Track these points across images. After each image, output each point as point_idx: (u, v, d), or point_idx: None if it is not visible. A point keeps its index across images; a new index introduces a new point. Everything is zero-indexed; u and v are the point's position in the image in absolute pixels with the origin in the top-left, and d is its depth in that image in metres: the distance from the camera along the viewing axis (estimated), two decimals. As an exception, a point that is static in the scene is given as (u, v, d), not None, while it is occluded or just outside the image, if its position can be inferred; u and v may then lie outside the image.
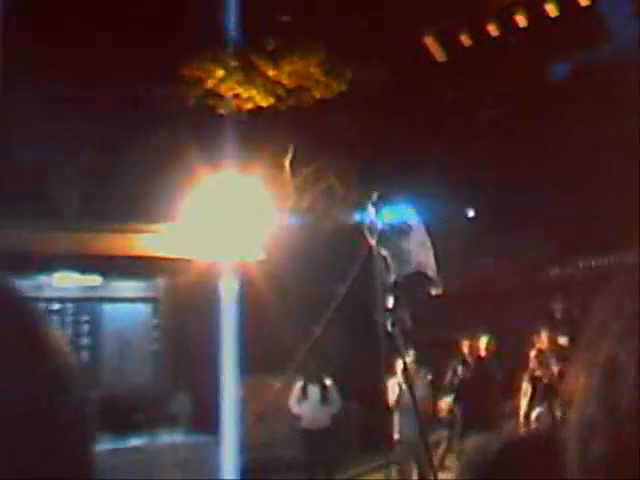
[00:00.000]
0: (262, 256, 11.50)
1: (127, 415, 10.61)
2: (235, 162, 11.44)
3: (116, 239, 11.18)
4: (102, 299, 11.43)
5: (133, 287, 11.64)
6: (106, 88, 12.05)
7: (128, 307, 11.63)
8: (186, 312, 11.52)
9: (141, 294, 11.73)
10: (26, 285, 10.71)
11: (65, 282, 11.14)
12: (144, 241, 11.20)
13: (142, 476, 9.67)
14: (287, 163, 13.19)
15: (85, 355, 11.18)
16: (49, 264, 10.88)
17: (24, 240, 10.57)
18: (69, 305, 11.24)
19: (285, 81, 12.97)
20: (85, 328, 11.32)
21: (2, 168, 11.11)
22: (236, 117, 12.37)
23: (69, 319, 11.20)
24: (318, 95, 13.16)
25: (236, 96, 12.56)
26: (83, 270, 11.03)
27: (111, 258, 11.02)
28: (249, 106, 12.64)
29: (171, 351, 11.73)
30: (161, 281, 11.70)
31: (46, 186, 12.24)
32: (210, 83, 12.53)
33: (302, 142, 12.86)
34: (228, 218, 10.78)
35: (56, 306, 11.11)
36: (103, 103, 12.13)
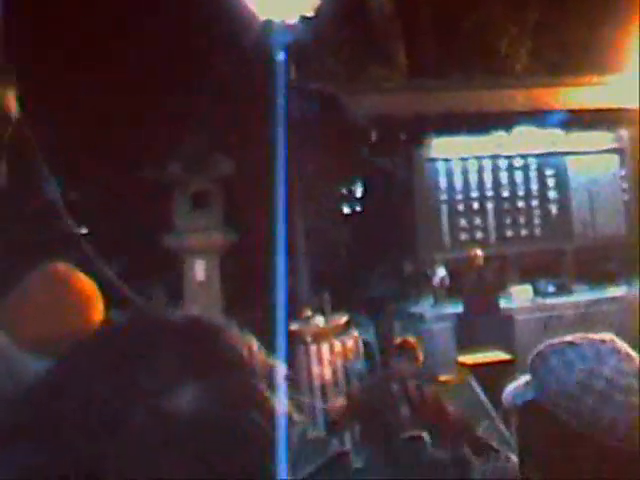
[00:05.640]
0: None
1: (602, 265, 10.80)
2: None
3: (572, 92, 11.03)
4: (566, 153, 11.48)
5: (597, 139, 11.49)
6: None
7: (593, 159, 11.55)
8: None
9: (605, 146, 11.55)
10: (485, 143, 11.23)
11: (526, 138, 11.36)
12: (603, 93, 10.90)
13: (621, 326, 9.87)
14: None
15: (554, 208, 11.48)
16: (507, 121, 11.19)
17: (478, 99, 10.97)
18: (532, 160, 11.49)
19: None
20: (551, 182, 11.53)
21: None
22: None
23: (534, 174, 11.49)
24: None
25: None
26: (543, 124, 11.14)
27: (570, 111, 10.97)
28: None
29: (641, 201, 11.50)
30: (625, 132, 11.38)
31: (496, 43, 12.42)
32: None
33: None
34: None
35: (519, 162, 11.45)
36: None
